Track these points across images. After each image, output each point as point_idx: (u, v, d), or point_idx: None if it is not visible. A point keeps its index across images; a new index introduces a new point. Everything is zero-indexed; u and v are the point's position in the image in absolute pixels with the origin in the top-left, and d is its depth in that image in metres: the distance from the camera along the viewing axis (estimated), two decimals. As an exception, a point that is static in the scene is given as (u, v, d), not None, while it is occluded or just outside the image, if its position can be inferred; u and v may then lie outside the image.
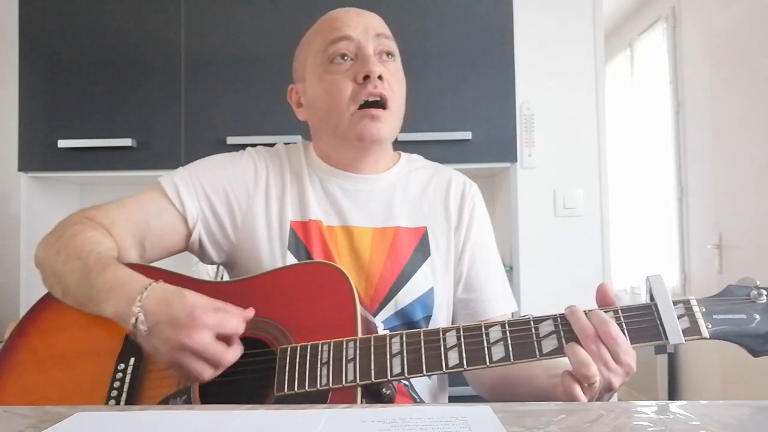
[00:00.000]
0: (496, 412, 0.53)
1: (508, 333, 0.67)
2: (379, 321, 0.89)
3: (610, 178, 2.19)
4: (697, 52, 3.12)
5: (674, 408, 0.55)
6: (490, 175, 2.25)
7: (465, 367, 0.67)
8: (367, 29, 0.92)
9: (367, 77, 0.89)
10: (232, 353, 0.69)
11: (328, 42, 0.92)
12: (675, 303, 0.67)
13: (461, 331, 0.68)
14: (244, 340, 0.74)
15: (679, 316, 0.66)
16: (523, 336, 0.67)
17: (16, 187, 2.03)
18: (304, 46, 0.98)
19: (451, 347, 0.68)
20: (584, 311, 0.67)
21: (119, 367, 0.74)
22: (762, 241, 2.44)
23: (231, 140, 1.90)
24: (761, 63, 2.45)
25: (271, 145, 1.03)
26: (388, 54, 0.94)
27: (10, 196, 2.17)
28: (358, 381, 0.67)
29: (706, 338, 0.66)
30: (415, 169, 1.02)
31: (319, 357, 0.69)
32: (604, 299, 0.70)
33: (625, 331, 0.66)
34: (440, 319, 0.94)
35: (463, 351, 0.67)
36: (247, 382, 0.75)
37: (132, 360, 0.74)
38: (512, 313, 0.98)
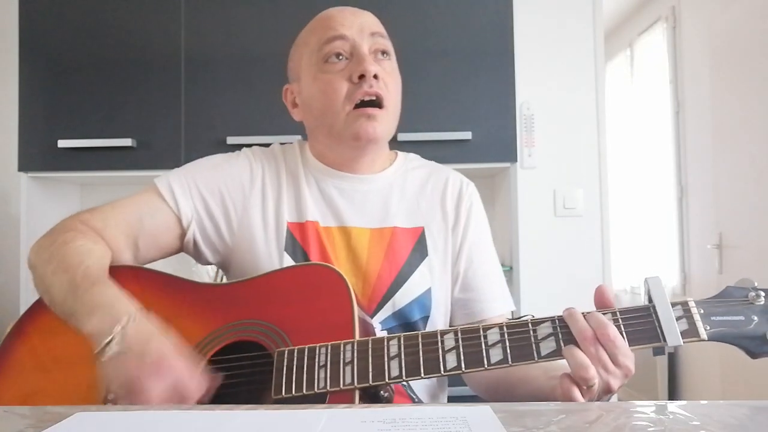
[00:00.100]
0: (496, 412, 0.53)
1: (506, 335, 0.67)
2: (376, 322, 0.89)
3: (610, 178, 2.19)
4: (697, 52, 3.12)
5: (674, 408, 0.55)
6: (490, 175, 2.25)
7: (463, 369, 0.66)
8: (362, 28, 0.92)
9: (362, 76, 0.88)
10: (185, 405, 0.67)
11: (323, 41, 0.91)
12: (673, 305, 0.67)
13: (459, 334, 0.68)
14: (242, 343, 0.74)
15: (678, 318, 0.66)
16: (521, 338, 0.67)
17: (16, 187, 2.03)
18: (299, 45, 0.98)
19: (449, 350, 0.67)
20: (582, 313, 0.67)
21: None
22: (762, 241, 2.44)
23: (231, 140, 1.90)
24: (761, 63, 2.45)
25: (270, 145, 1.03)
26: (384, 53, 0.94)
27: (10, 196, 2.17)
28: (355, 384, 0.67)
29: (704, 340, 0.66)
30: (411, 168, 1.02)
31: (317, 360, 0.69)
32: (602, 301, 0.69)
33: (624, 333, 0.66)
34: (438, 319, 0.94)
35: (461, 353, 0.67)
36: (244, 385, 0.75)
37: None
38: (512, 312, 0.98)
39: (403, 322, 0.90)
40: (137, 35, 1.96)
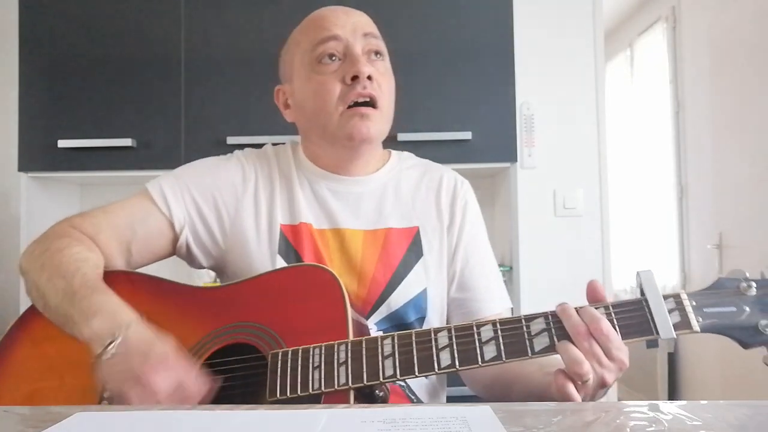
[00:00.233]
0: (496, 412, 0.53)
1: (499, 332, 0.67)
2: (371, 323, 0.88)
3: (610, 178, 2.19)
4: (697, 52, 3.12)
5: (674, 408, 0.55)
6: (490, 175, 2.25)
7: (457, 367, 0.66)
8: (355, 28, 0.91)
9: (355, 78, 0.88)
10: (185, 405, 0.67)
11: (316, 42, 0.90)
12: (665, 297, 0.67)
13: (453, 331, 0.68)
14: (236, 345, 0.73)
15: (670, 311, 0.66)
16: (514, 334, 0.67)
17: (16, 187, 2.03)
18: (291, 46, 0.97)
19: (443, 348, 0.67)
20: (575, 308, 0.67)
21: None
22: (762, 241, 2.44)
23: (231, 140, 1.90)
24: (761, 63, 2.45)
25: (271, 145, 1.02)
26: (377, 53, 0.93)
27: (10, 196, 2.17)
28: (350, 384, 0.66)
29: (696, 332, 0.65)
30: (406, 168, 1.01)
31: (311, 361, 0.69)
32: (594, 296, 0.69)
33: (617, 327, 0.66)
34: (434, 320, 0.93)
35: (455, 351, 0.67)
36: (239, 388, 0.75)
37: None
38: (512, 311, 0.98)
39: (399, 323, 0.90)
40: (137, 35, 1.96)
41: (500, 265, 2.18)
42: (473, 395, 0.95)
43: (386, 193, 0.97)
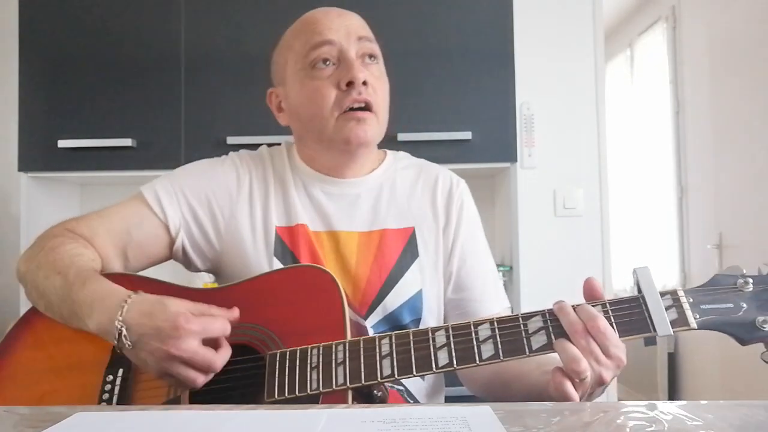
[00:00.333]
0: (496, 412, 0.53)
1: (497, 330, 0.67)
2: (368, 326, 0.88)
3: (610, 178, 2.19)
4: (697, 52, 3.12)
5: (674, 408, 0.55)
6: (490, 175, 2.25)
7: (455, 366, 0.66)
8: (349, 32, 0.90)
9: (350, 83, 0.87)
10: (222, 356, 0.68)
11: (310, 47, 0.89)
12: (662, 294, 0.67)
13: (450, 330, 0.68)
14: (233, 346, 0.74)
15: (667, 308, 0.66)
16: (512, 333, 0.67)
17: (16, 187, 2.03)
18: (284, 49, 0.96)
19: (441, 347, 0.67)
20: (572, 306, 0.67)
21: (108, 379, 0.73)
22: (762, 241, 2.44)
23: (231, 140, 1.90)
24: (761, 63, 2.45)
25: (266, 146, 1.02)
26: (371, 56, 0.92)
27: (10, 196, 2.17)
28: (348, 384, 0.66)
29: (694, 329, 0.65)
30: (401, 168, 1.01)
31: (309, 361, 0.69)
32: (591, 293, 0.69)
33: (614, 324, 0.66)
34: (429, 321, 0.93)
35: (453, 350, 0.67)
36: (238, 389, 0.75)
37: (120, 371, 0.74)
38: (511, 311, 0.98)
39: (395, 325, 0.90)
40: (137, 35, 1.96)
41: (500, 265, 2.18)
42: (473, 395, 0.95)
43: (381, 194, 0.96)
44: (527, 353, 0.66)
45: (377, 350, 0.68)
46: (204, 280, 1.88)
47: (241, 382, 0.75)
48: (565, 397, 0.64)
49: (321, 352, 0.69)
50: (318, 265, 0.80)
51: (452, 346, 0.67)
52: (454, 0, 1.97)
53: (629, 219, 3.93)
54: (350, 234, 0.92)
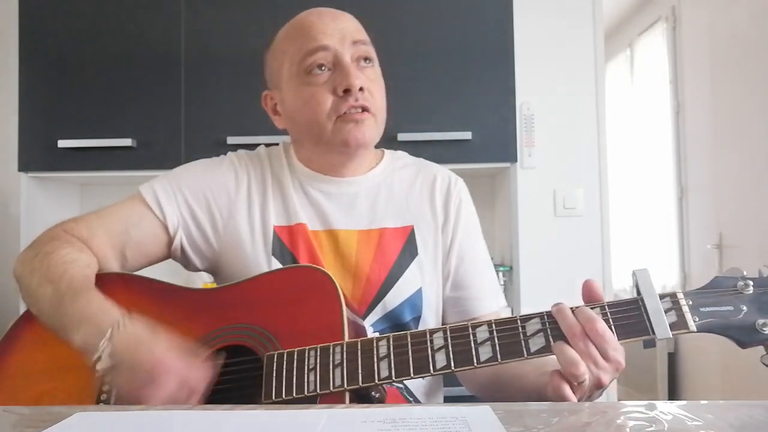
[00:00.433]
0: (496, 412, 0.53)
1: (495, 333, 0.67)
2: (367, 324, 0.88)
3: (610, 178, 2.19)
4: (697, 52, 3.12)
5: (674, 408, 0.55)
6: (490, 175, 2.25)
7: (453, 368, 0.66)
8: (343, 36, 0.89)
9: (347, 90, 0.87)
10: (195, 398, 0.67)
11: (304, 53, 0.89)
12: (661, 297, 0.66)
13: (448, 332, 0.68)
14: (232, 347, 0.73)
15: (666, 311, 0.65)
16: (510, 335, 0.66)
17: (16, 187, 2.03)
18: (278, 53, 0.95)
19: (439, 349, 0.67)
20: (571, 308, 0.67)
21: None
22: (762, 241, 2.44)
23: (231, 140, 1.90)
24: (761, 63, 2.45)
25: (264, 146, 1.02)
26: (366, 59, 0.92)
27: (10, 196, 2.17)
28: (345, 386, 0.66)
29: (693, 332, 0.65)
30: (399, 167, 1.01)
31: (306, 363, 0.68)
32: (590, 295, 0.69)
33: (612, 327, 0.65)
34: (429, 319, 0.93)
35: (451, 352, 0.66)
36: (235, 390, 0.74)
37: None
38: (511, 311, 0.97)
39: (395, 323, 0.90)
40: (137, 35, 1.96)
41: (500, 265, 2.18)
42: (472, 395, 0.95)
43: (380, 193, 0.96)
44: (525, 356, 0.66)
45: (375, 352, 0.68)
46: (203, 280, 1.88)
47: (238, 383, 0.74)
48: (562, 400, 0.64)
49: (318, 353, 0.69)
50: (316, 266, 0.80)
51: (450, 348, 0.67)
52: (454, 0, 1.97)
53: (629, 219, 3.93)
54: (349, 232, 0.92)
